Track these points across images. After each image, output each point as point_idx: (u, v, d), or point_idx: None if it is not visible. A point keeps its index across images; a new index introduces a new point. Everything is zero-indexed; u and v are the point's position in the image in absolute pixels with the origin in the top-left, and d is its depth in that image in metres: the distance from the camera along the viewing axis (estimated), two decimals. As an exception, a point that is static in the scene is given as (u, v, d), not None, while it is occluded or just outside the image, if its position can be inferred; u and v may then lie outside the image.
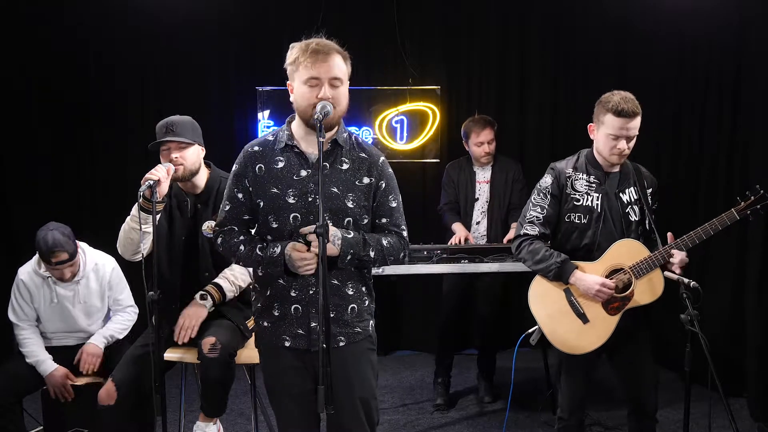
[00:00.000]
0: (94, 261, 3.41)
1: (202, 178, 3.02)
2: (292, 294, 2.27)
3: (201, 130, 3.03)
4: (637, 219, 2.86)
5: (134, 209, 2.82)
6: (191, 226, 3.01)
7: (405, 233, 2.38)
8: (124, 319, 3.49)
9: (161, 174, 2.72)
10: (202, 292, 2.97)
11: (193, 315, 2.93)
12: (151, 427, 3.06)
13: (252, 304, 2.41)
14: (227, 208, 2.34)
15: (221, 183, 3.03)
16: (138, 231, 2.81)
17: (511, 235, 3.98)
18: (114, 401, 2.87)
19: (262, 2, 5.01)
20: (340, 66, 2.22)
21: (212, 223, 2.99)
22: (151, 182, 2.66)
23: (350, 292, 2.31)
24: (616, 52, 4.94)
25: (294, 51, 2.24)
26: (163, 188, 2.75)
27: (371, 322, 2.39)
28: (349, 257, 2.21)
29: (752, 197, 2.74)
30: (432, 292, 4.97)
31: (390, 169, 2.37)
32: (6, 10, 4.75)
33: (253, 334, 2.45)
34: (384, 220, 2.34)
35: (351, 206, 2.26)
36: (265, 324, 2.34)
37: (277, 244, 2.22)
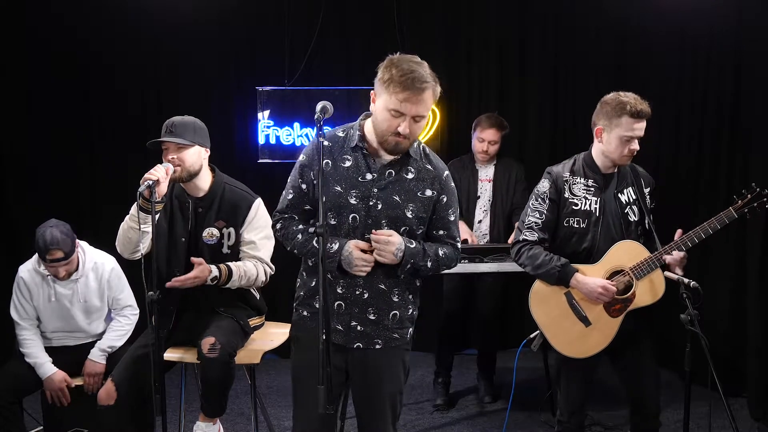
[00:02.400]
0: (93, 260, 3.41)
1: (204, 181, 3.01)
2: (338, 291, 2.31)
3: (207, 130, 3.03)
4: (636, 219, 2.85)
5: (133, 209, 2.82)
6: (191, 229, 3.01)
7: (459, 245, 2.44)
8: (122, 325, 3.47)
9: (160, 174, 2.72)
10: (213, 266, 2.92)
11: (198, 275, 2.86)
12: (151, 427, 3.05)
13: (295, 291, 2.45)
14: (290, 196, 2.38)
15: (225, 189, 3.02)
16: (136, 230, 2.81)
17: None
18: (114, 401, 2.87)
19: (262, 2, 5.01)
20: (427, 103, 2.21)
21: (213, 230, 2.99)
22: (150, 182, 2.66)
23: (395, 299, 2.34)
24: (616, 52, 4.94)
25: (388, 71, 2.17)
26: (162, 188, 2.75)
27: (411, 329, 2.42)
28: (408, 266, 2.26)
29: (749, 195, 2.75)
30: (432, 292, 4.96)
31: (452, 183, 2.41)
32: (6, 10, 4.75)
33: (290, 324, 2.49)
34: (442, 232, 2.39)
35: (410, 216, 2.30)
36: (305, 313, 2.38)
37: (335, 239, 2.25)
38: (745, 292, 4.18)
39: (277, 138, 4.95)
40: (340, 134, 2.35)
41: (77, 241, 3.33)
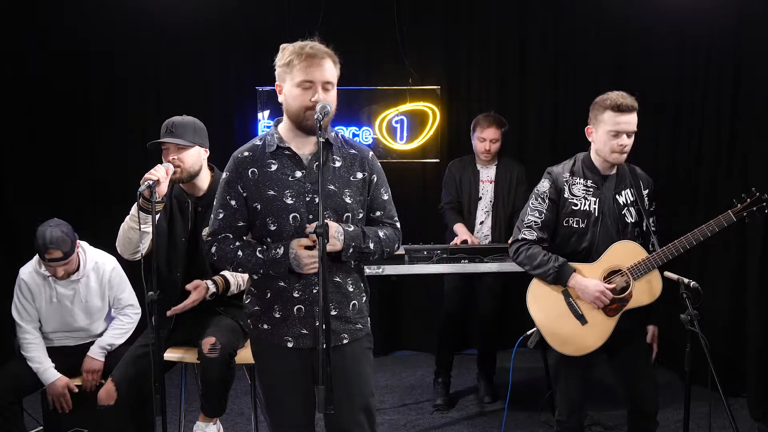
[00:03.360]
0: (94, 260, 3.41)
1: (204, 181, 3.01)
2: (295, 295, 2.28)
3: (206, 130, 3.02)
4: (633, 220, 2.86)
5: (133, 209, 2.82)
6: (191, 228, 3.00)
7: (398, 224, 2.44)
8: (123, 324, 3.46)
9: (160, 174, 2.72)
10: (209, 280, 2.92)
11: (196, 297, 2.85)
12: (151, 427, 3.06)
13: (247, 307, 2.40)
14: (220, 216, 2.33)
15: None
16: (137, 231, 2.81)
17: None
18: (114, 401, 2.87)
19: (262, 2, 5.01)
20: (331, 70, 2.26)
21: None
22: (150, 182, 2.66)
23: (351, 289, 2.34)
24: (616, 52, 4.94)
25: (286, 53, 2.25)
26: (162, 188, 2.75)
27: (369, 319, 2.43)
28: (351, 250, 2.25)
29: (748, 199, 2.76)
30: (432, 292, 4.97)
31: (378, 163, 2.43)
32: (6, 10, 4.75)
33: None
34: (378, 213, 2.40)
35: (349, 202, 2.30)
36: (265, 327, 2.33)
37: (279, 245, 2.22)
38: (745, 292, 4.18)
39: (277, 138, 4.95)
40: (258, 143, 2.34)
41: (78, 241, 3.34)
